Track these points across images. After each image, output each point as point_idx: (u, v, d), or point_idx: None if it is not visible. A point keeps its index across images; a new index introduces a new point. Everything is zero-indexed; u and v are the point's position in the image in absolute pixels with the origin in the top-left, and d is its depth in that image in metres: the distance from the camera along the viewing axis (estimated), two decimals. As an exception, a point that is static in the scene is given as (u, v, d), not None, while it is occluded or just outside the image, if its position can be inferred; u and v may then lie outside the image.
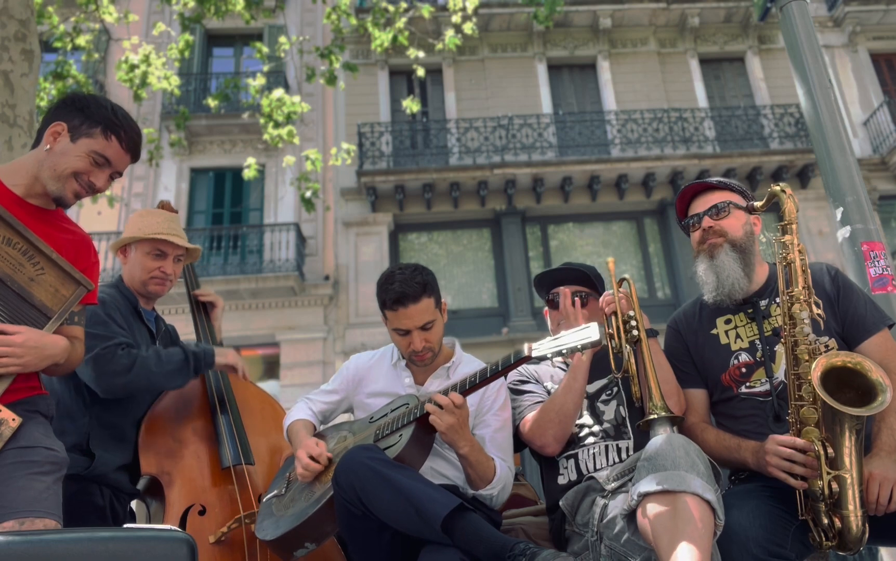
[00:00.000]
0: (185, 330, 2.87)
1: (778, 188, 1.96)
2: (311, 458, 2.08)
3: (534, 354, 1.86)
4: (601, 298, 2.26)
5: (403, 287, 2.13)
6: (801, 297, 1.87)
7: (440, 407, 1.94)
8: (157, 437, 2.39)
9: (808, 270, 1.93)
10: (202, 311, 2.82)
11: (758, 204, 2.07)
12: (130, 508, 2.52)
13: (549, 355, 1.84)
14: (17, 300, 1.69)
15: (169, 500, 2.26)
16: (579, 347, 1.80)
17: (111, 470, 2.29)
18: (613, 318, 2.19)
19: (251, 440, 2.51)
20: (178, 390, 2.47)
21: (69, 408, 2.24)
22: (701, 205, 2.22)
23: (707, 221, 2.17)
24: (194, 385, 2.54)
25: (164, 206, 2.69)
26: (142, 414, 2.42)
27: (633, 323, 2.15)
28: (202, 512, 2.27)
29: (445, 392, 2.00)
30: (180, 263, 2.54)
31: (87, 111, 1.79)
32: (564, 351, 1.81)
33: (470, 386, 1.98)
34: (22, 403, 1.70)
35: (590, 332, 1.80)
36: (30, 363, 1.67)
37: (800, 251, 1.92)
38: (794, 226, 1.94)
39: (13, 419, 1.61)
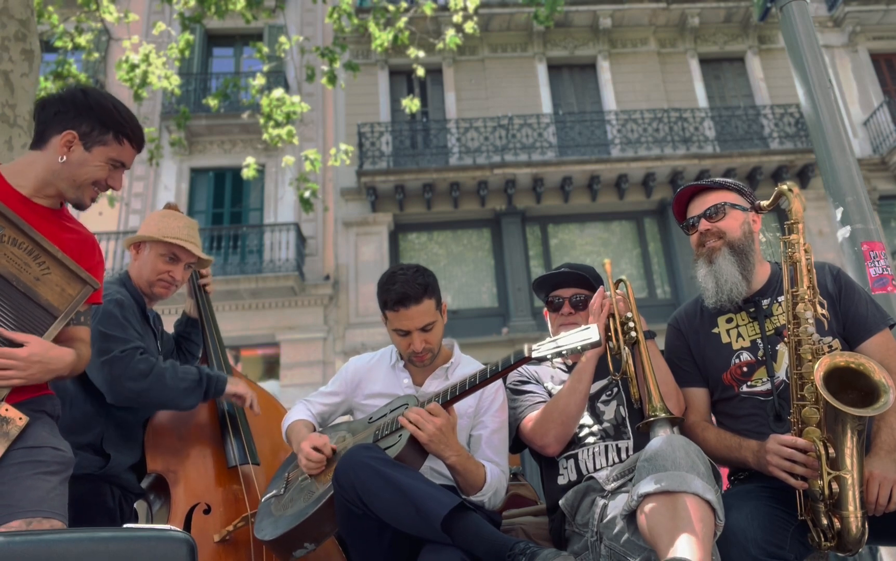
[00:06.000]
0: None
1: (785, 187, 1.96)
2: (315, 449, 2.08)
3: (534, 355, 1.85)
4: (592, 299, 2.25)
5: (405, 288, 2.13)
6: (806, 296, 1.87)
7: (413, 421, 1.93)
8: (164, 435, 2.40)
9: (814, 270, 1.92)
10: (203, 296, 2.81)
11: (764, 203, 2.07)
12: (133, 508, 2.52)
13: (549, 356, 1.83)
14: (22, 300, 1.69)
15: (174, 498, 2.27)
16: (579, 347, 1.80)
17: (123, 470, 2.30)
18: (611, 319, 2.18)
19: (256, 441, 2.52)
20: None
21: (84, 408, 2.24)
22: (698, 207, 2.20)
23: (704, 224, 2.15)
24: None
25: (171, 208, 2.68)
26: (151, 414, 2.43)
27: (631, 324, 2.14)
28: (207, 511, 2.27)
29: (446, 393, 2.00)
30: (189, 270, 2.55)
31: (92, 114, 1.78)
32: (564, 352, 1.81)
33: (470, 387, 1.97)
34: (28, 403, 1.70)
35: (590, 333, 1.79)
36: (34, 377, 1.67)
37: (805, 250, 1.91)
38: (800, 225, 1.94)
39: (20, 419, 1.62)
